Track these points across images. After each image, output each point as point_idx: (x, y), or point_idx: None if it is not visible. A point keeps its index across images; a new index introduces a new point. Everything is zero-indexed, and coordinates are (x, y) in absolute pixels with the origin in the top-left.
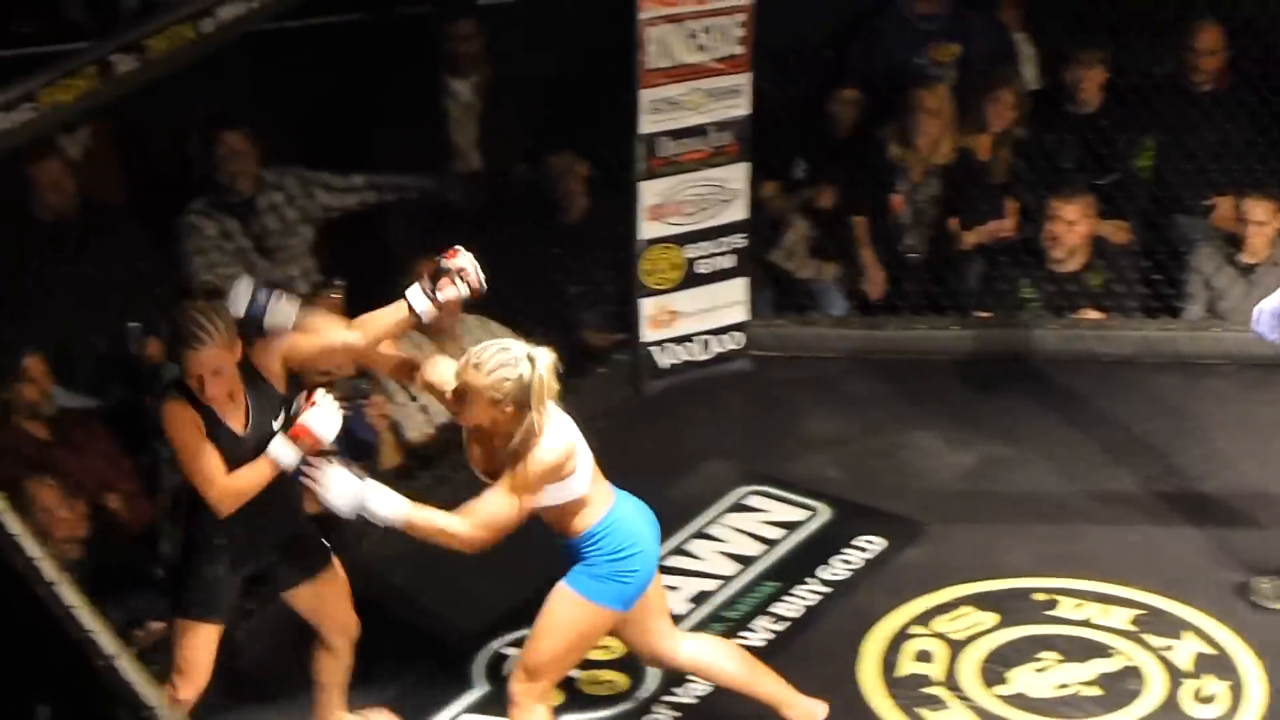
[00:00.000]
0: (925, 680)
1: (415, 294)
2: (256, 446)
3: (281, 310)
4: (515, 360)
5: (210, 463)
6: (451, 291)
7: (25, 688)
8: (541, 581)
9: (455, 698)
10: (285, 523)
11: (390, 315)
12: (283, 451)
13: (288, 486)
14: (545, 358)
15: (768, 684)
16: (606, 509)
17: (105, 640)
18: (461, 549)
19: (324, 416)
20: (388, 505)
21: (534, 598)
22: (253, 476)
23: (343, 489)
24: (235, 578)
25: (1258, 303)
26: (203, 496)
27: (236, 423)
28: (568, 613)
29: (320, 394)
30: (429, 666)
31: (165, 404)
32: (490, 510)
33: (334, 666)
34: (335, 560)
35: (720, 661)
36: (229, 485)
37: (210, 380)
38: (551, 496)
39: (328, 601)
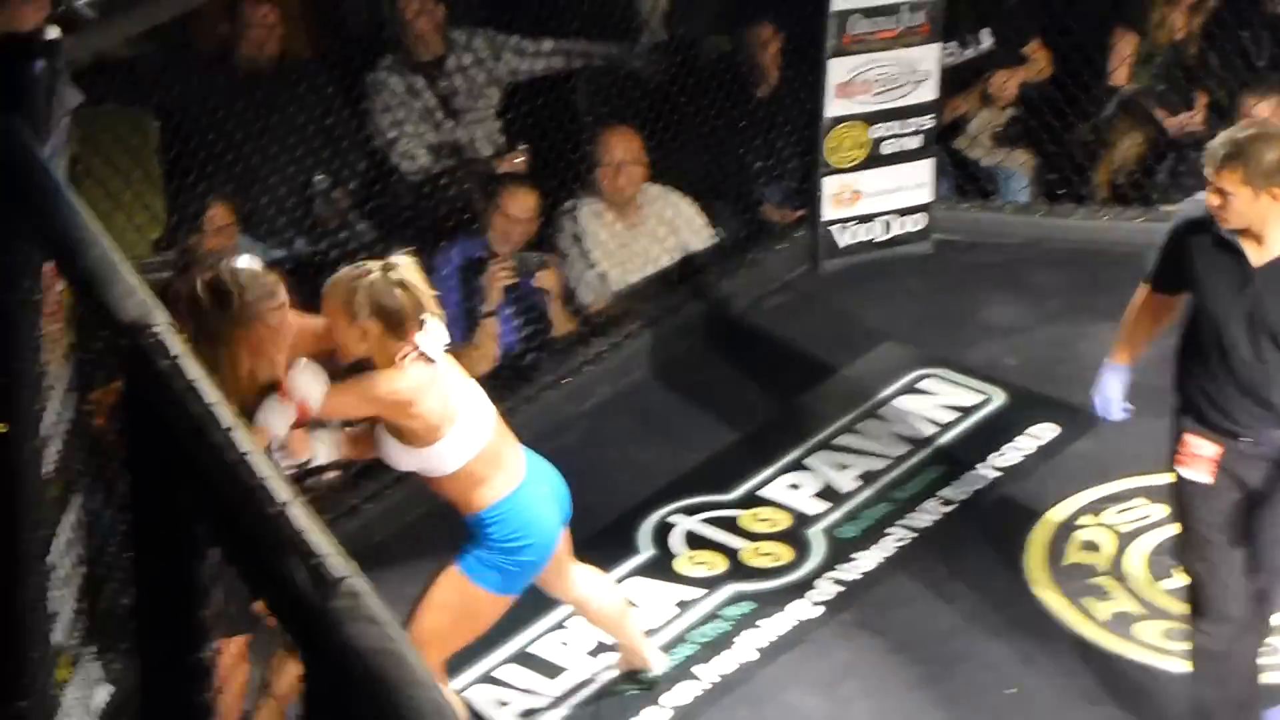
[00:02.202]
0: (1091, 570)
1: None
2: None
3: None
4: (364, 270)
5: None
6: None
7: (195, 533)
8: (708, 450)
9: (622, 561)
10: None
11: None
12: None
13: None
14: (401, 264)
15: (630, 630)
16: (506, 491)
17: (278, 487)
18: None
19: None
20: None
21: (701, 465)
22: None
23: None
24: None
25: None
26: None
27: None
28: (450, 591)
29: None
30: (595, 531)
31: None
32: (336, 388)
33: None
34: None
35: (604, 609)
36: None
37: None
38: (414, 459)
39: None
